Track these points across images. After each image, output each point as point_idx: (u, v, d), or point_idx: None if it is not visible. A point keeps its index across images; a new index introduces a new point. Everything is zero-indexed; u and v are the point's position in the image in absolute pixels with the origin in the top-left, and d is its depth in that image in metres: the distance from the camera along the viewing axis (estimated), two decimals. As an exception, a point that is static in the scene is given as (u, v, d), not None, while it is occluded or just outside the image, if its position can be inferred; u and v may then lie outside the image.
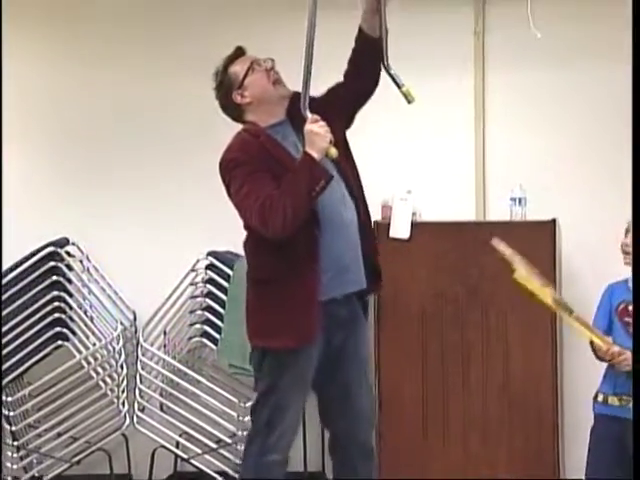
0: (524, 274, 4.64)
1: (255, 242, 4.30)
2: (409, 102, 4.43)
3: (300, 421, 4.51)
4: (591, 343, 4.66)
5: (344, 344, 4.40)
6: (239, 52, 4.41)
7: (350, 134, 4.44)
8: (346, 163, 4.34)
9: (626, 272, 4.76)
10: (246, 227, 4.33)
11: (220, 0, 6.23)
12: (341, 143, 4.31)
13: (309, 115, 4.20)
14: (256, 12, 6.01)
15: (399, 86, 4.45)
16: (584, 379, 5.80)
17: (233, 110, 4.40)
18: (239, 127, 4.41)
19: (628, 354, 4.48)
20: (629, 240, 4.63)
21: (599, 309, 4.98)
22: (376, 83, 4.57)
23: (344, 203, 4.32)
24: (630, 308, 4.80)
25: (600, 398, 4.73)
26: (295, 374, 4.30)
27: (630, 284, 4.83)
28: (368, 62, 4.53)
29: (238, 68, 4.36)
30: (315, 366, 4.33)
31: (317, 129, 4.16)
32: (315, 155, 4.12)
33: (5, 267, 6.10)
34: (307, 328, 4.25)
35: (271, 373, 4.31)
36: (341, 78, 4.46)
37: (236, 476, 5.99)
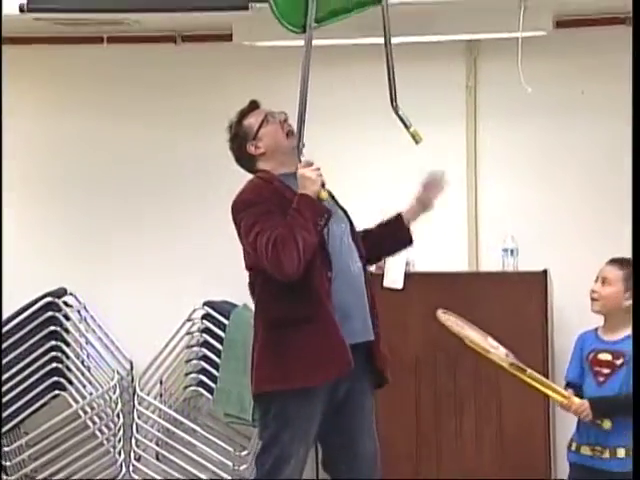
0: (475, 339, 4.68)
1: (267, 284, 4.27)
2: (417, 142, 4.50)
3: (302, 472, 4.42)
4: None
5: (349, 393, 4.40)
6: (253, 105, 4.46)
7: (346, 188, 4.50)
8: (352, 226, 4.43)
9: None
10: (250, 268, 4.32)
11: (217, 56, 6.15)
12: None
13: (302, 159, 4.23)
14: (252, 68, 6.02)
15: (407, 127, 4.50)
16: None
17: (247, 161, 4.43)
18: (232, 182, 4.37)
19: (578, 402, 4.47)
20: (597, 287, 4.64)
21: (572, 359, 4.93)
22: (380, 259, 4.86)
23: (351, 256, 4.35)
24: (600, 357, 4.74)
25: (573, 447, 4.67)
26: (298, 425, 4.26)
27: (600, 332, 4.80)
28: (393, 249, 4.77)
29: (252, 120, 4.40)
30: (319, 419, 4.27)
31: (309, 173, 4.21)
32: (309, 195, 4.18)
33: (4, 317, 5.99)
34: (336, 364, 4.22)
35: (274, 424, 4.27)
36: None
37: None
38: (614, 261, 4.76)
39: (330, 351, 4.24)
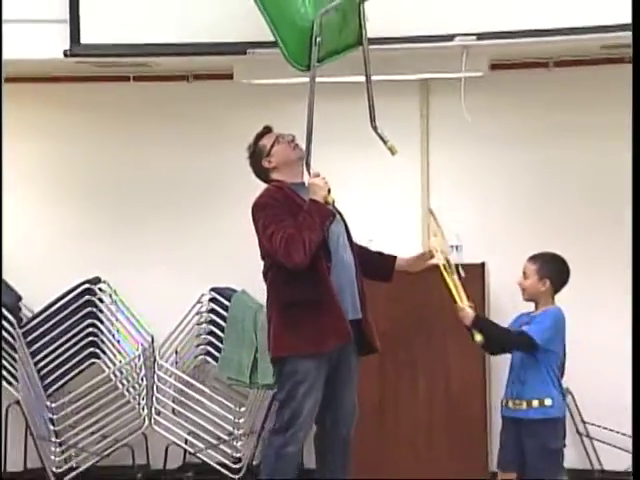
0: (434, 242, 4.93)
1: (280, 272, 4.43)
2: (393, 154, 4.77)
3: (312, 422, 4.58)
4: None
5: (342, 357, 4.52)
6: (266, 130, 4.68)
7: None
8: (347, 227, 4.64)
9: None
10: (263, 258, 4.50)
11: (221, 91, 6.23)
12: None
13: (311, 171, 4.49)
14: (250, 101, 6.08)
15: (385, 142, 4.78)
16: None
17: (262, 173, 4.63)
18: (236, 192, 4.67)
19: (466, 311, 4.65)
20: (520, 280, 4.83)
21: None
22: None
23: (346, 251, 4.56)
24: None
25: (503, 403, 4.82)
26: (309, 384, 4.42)
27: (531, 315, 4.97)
28: (374, 276, 4.82)
29: (266, 141, 4.62)
30: (324, 378, 4.45)
31: (318, 181, 4.45)
32: (318, 200, 4.40)
33: (50, 301, 6.12)
34: (339, 334, 4.42)
35: (289, 384, 4.44)
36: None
37: (234, 466, 6.08)
38: (530, 258, 4.91)
39: (334, 324, 4.42)
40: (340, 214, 4.63)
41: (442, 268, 4.72)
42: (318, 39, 4.59)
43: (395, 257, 4.85)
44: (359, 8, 4.86)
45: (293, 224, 4.35)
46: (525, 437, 4.67)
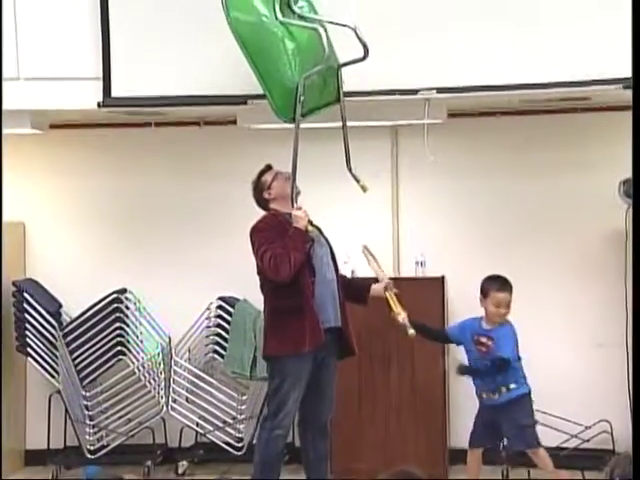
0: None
1: (271, 286, 4.52)
2: (364, 191, 4.84)
3: (296, 410, 4.66)
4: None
5: (324, 358, 4.65)
6: (268, 167, 4.78)
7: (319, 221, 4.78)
8: (331, 249, 4.74)
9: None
10: (259, 273, 4.57)
11: (228, 134, 6.19)
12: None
13: (295, 205, 4.56)
14: (251, 142, 6.07)
15: (357, 181, 4.84)
16: (463, 382, 5.78)
17: (263, 203, 4.73)
18: (239, 217, 4.71)
19: (402, 314, 4.87)
20: (498, 310, 5.01)
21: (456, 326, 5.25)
22: None
23: (329, 269, 4.66)
24: (482, 340, 5.08)
25: (479, 394, 5.04)
26: (293, 378, 4.53)
27: (482, 322, 5.14)
28: (352, 299, 4.91)
29: (267, 177, 4.73)
30: (307, 374, 4.55)
31: (299, 213, 4.55)
32: (300, 228, 4.48)
33: (85, 308, 6.13)
34: (314, 339, 4.50)
35: (278, 377, 4.55)
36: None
37: (237, 445, 6.08)
38: (502, 288, 5.13)
39: (311, 331, 4.51)
40: (325, 238, 4.69)
41: (383, 290, 4.93)
42: (302, 98, 4.61)
43: (370, 285, 4.92)
44: (337, 72, 4.87)
45: (281, 244, 4.42)
46: (502, 418, 4.86)
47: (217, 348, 6.20)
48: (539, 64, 5.18)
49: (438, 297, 5.91)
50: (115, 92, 5.47)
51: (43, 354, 6.17)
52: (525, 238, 6.19)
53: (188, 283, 6.31)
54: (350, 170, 4.86)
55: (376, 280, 5.06)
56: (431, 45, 5.26)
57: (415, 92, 5.28)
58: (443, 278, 5.98)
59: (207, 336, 6.25)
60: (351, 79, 4.99)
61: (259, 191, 4.73)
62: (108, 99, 5.48)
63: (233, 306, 6.16)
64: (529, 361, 5.63)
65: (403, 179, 6.30)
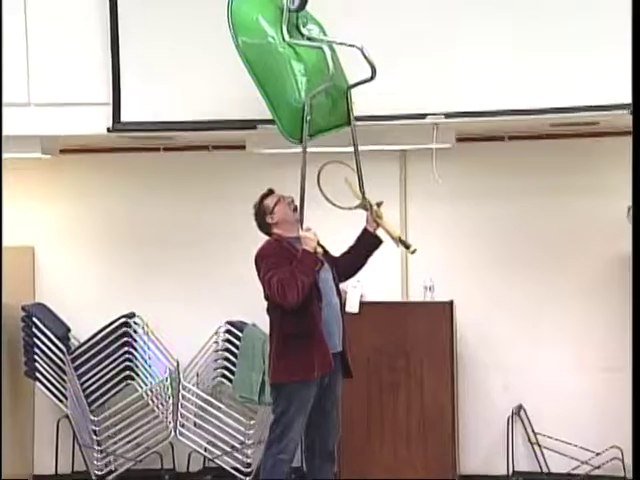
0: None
1: (279, 312, 4.47)
2: (379, 218, 4.77)
3: (301, 435, 4.65)
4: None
5: (329, 384, 4.58)
6: (270, 191, 4.75)
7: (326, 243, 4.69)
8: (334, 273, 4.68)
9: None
10: (267, 298, 4.53)
11: (236, 159, 6.23)
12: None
13: (303, 227, 4.53)
14: (259, 167, 6.08)
15: (372, 206, 4.75)
16: (472, 406, 6.16)
17: (265, 227, 4.69)
18: (247, 241, 4.67)
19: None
20: None
21: None
22: (361, 268, 4.82)
23: (333, 292, 4.62)
24: None
25: None
26: (299, 404, 4.49)
27: None
28: (365, 256, 4.81)
29: (269, 201, 4.68)
30: (312, 400, 4.51)
31: (309, 234, 4.50)
32: (310, 250, 4.44)
33: (94, 332, 6.16)
34: (324, 365, 4.46)
35: (284, 403, 4.51)
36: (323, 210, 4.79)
37: (245, 470, 6.07)
38: None
39: (320, 357, 4.46)
40: (329, 262, 4.67)
41: (373, 220, 4.76)
42: (308, 118, 4.61)
43: (364, 228, 4.80)
44: (346, 95, 4.88)
45: (288, 269, 4.39)
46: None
47: (225, 373, 6.21)
48: (547, 89, 5.21)
49: (447, 322, 5.90)
50: (124, 117, 5.51)
51: (51, 379, 6.19)
52: (534, 262, 6.19)
53: (196, 307, 6.33)
54: (363, 195, 4.81)
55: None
56: (439, 70, 5.31)
57: (423, 116, 5.32)
58: (452, 303, 5.98)
59: (215, 360, 6.25)
60: (360, 103, 5.00)
61: (261, 216, 4.71)
62: (118, 124, 5.51)
63: (241, 330, 6.18)
64: (539, 386, 5.67)
65: (411, 203, 6.31)
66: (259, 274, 4.52)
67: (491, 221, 6.24)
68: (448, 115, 5.30)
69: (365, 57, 4.59)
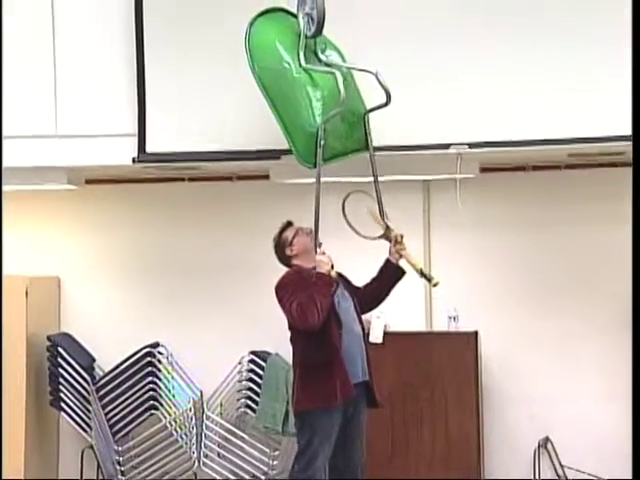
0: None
1: (301, 340, 4.49)
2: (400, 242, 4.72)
3: (325, 465, 4.62)
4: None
5: (353, 413, 4.56)
6: (288, 224, 4.75)
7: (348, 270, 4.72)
8: (355, 303, 4.65)
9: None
10: (290, 328, 4.55)
11: (260, 189, 6.26)
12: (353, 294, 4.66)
13: (318, 250, 4.54)
14: (283, 197, 6.10)
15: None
16: (498, 437, 6.11)
17: (285, 259, 4.71)
18: (270, 271, 4.64)
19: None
20: None
21: None
22: (384, 299, 4.80)
23: (355, 322, 4.60)
24: None
25: None
26: (323, 434, 4.47)
27: None
28: (388, 288, 4.79)
29: (288, 233, 4.70)
30: (337, 429, 4.49)
31: (323, 258, 4.50)
32: (324, 273, 4.45)
33: (118, 362, 6.16)
34: (345, 392, 4.43)
35: (308, 433, 4.49)
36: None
37: None
38: None
39: (341, 384, 4.43)
40: (350, 292, 4.67)
41: (396, 250, 4.72)
42: (322, 142, 4.63)
43: (387, 259, 4.77)
44: (364, 120, 4.90)
45: (306, 294, 4.40)
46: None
47: (249, 403, 6.21)
48: (568, 120, 5.24)
49: (471, 352, 5.88)
50: (150, 148, 5.57)
51: (76, 409, 6.21)
52: (560, 292, 6.17)
53: (220, 337, 6.33)
54: (387, 225, 4.78)
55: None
56: (463, 100, 5.34)
57: (447, 147, 5.34)
58: (476, 333, 5.95)
59: (239, 390, 6.25)
60: (383, 133, 5.03)
61: (281, 248, 4.71)
62: (143, 155, 5.57)
63: (265, 360, 6.18)
64: (566, 418, 5.62)
65: (435, 233, 6.31)
66: (281, 303, 4.53)
67: (515, 251, 6.22)
68: (472, 145, 5.33)
69: (380, 82, 4.62)
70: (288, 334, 4.66)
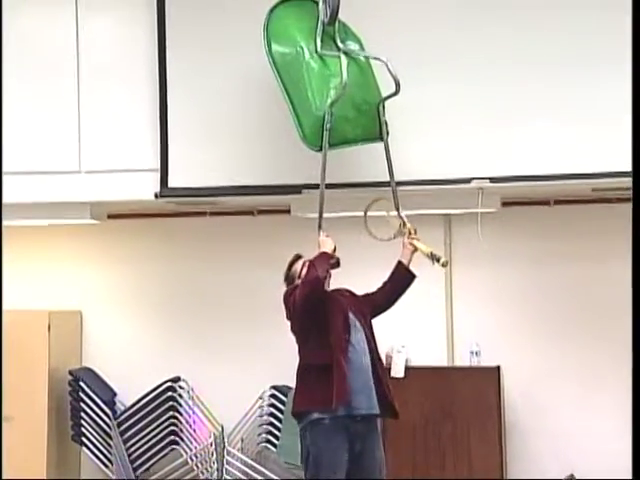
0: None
1: (304, 343, 4.47)
2: (444, 266, 4.71)
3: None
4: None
5: (363, 450, 4.39)
6: (297, 257, 4.73)
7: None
8: (370, 330, 4.55)
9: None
10: (294, 332, 4.54)
11: (280, 223, 6.26)
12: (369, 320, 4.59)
13: (321, 232, 4.59)
14: (304, 231, 5.61)
15: (438, 259, 4.68)
16: (521, 473, 6.03)
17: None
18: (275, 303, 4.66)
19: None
20: None
21: None
22: (393, 303, 4.75)
23: (365, 355, 4.45)
24: None
25: None
26: (326, 441, 4.31)
27: None
28: (399, 292, 4.76)
29: (298, 266, 4.66)
30: (344, 449, 4.32)
31: (324, 238, 4.56)
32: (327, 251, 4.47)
33: (139, 396, 6.17)
34: (341, 396, 4.29)
35: (310, 444, 4.36)
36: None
37: None
38: None
39: (337, 389, 4.27)
40: (362, 314, 4.55)
41: (409, 243, 4.72)
42: (328, 126, 4.66)
43: (399, 261, 4.76)
44: (378, 108, 4.90)
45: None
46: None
47: (270, 438, 6.20)
48: (591, 154, 5.22)
49: (494, 387, 5.85)
50: (172, 183, 5.60)
51: (97, 443, 6.22)
52: (580, 327, 6.14)
53: (241, 372, 6.32)
54: (403, 221, 4.79)
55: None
56: (484, 135, 5.35)
57: (469, 181, 5.34)
58: (499, 368, 5.93)
59: (260, 425, 6.25)
60: (405, 167, 5.04)
61: (291, 281, 4.69)
62: (165, 190, 5.61)
63: (286, 395, 6.15)
64: (591, 455, 5.55)
65: (457, 267, 6.27)
66: (289, 309, 4.51)
67: (537, 285, 6.20)
68: (493, 180, 5.32)
69: (390, 71, 4.68)
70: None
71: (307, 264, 4.49)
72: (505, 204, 5.79)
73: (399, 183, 4.98)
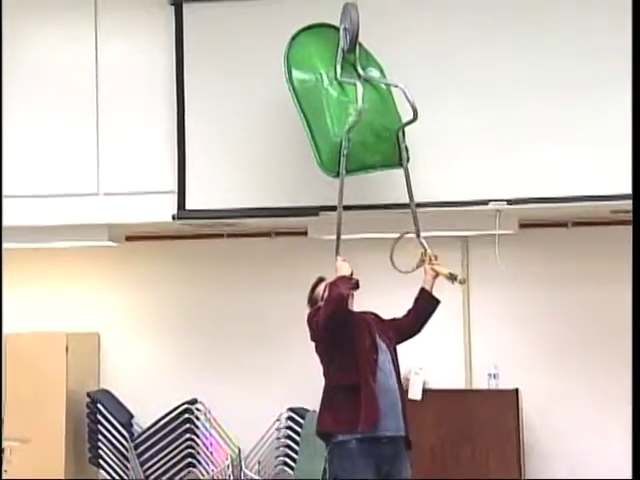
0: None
1: (329, 359, 4.41)
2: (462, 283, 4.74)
3: None
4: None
5: (390, 472, 4.35)
6: (320, 279, 4.70)
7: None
8: (395, 353, 4.53)
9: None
10: (318, 353, 4.48)
11: (297, 245, 6.25)
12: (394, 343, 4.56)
13: (339, 257, 4.58)
14: (321, 253, 5.56)
15: (454, 278, 4.71)
16: None
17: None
18: (305, 326, 4.54)
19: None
20: None
21: None
22: (419, 330, 4.70)
23: (390, 377, 4.42)
24: None
25: None
26: (351, 467, 4.26)
27: None
28: (424, 318, 4.71)
29: (320, 288, 4.62)
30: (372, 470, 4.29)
31: (342, 263, 4.55)
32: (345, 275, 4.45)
33: (156, 419, 6.18)
34: (369, 419, 4.25)
35: (335, 465, 4.32)
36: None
37: None
38: None
39: (365, 412, 4.23)
40: (388, 339, 4.54)
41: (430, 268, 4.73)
42: (345, 152, 4.67)
43: (422, 288, 4.74)
44: (397, 134, 4.92)
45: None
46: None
47: (287, 460, 6.18)
48: (609, 175, 5.21)
49: (512, 410, 5.81)
50: (189, 205, 5.61)
51: (115, 465, 6.21)
52: (598, 349, 6.11)
53: (258, 394, 6.32)
54: (419, 239, 4.82)
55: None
56: (501, 157, 5.34)
57: (486, 203, 5.34)
58: (517, 390, 5.89)
59: (277, 448, 6.23)
60: (422, 190, 5.05)
61: (314, 303, 4.66)
62: (182, 212, 5.62)
63: (303, 417, 6.15)
64: (610, 477, 5.50)
65: (474, 289, 6.27)
66: (313, 329, 4.49)
67: (555, 307, 6.18)
68: (511, 202, 5.31)
69: (407, 98, 4.69)
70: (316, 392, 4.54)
71: (328, 285, 4.49)
72: (523, 226, 5.78)
73: (417, 205, 4.97)
